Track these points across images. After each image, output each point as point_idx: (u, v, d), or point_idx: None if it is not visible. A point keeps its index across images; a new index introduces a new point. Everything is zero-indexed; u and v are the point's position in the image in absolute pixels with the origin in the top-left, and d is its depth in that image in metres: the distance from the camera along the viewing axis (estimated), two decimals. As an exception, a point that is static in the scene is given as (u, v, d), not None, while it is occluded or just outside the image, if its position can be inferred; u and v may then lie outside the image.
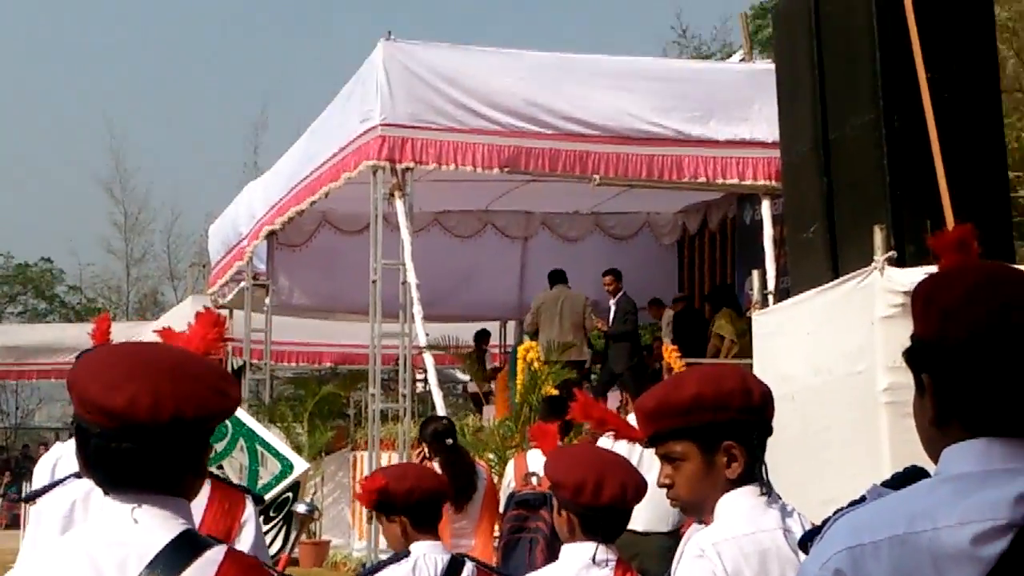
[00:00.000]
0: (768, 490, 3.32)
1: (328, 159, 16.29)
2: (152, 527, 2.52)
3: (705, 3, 64.35)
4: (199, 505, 4.61)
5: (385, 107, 14.80)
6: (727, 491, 3.31)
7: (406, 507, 5.14)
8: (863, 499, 2.20)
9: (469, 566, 5.18)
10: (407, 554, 5.09)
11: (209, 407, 2.55)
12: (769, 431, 3.39)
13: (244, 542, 4.67)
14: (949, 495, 2.07)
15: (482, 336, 19.88)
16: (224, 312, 21.62)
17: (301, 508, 8.90)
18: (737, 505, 3.29)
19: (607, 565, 4.08)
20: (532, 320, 16.22)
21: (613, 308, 16.47)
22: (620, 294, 16.60)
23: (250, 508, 4.72)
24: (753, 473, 3.31)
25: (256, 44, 74.90)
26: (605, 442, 8.15)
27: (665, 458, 3.38)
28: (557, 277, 16.65)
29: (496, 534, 9.32)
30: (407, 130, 14.85)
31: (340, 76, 18.07)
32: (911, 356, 2.21)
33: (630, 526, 9.22)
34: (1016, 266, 2.35)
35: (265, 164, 29.44)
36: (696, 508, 3.40)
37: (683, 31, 40.05)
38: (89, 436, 2.54)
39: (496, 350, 22.81)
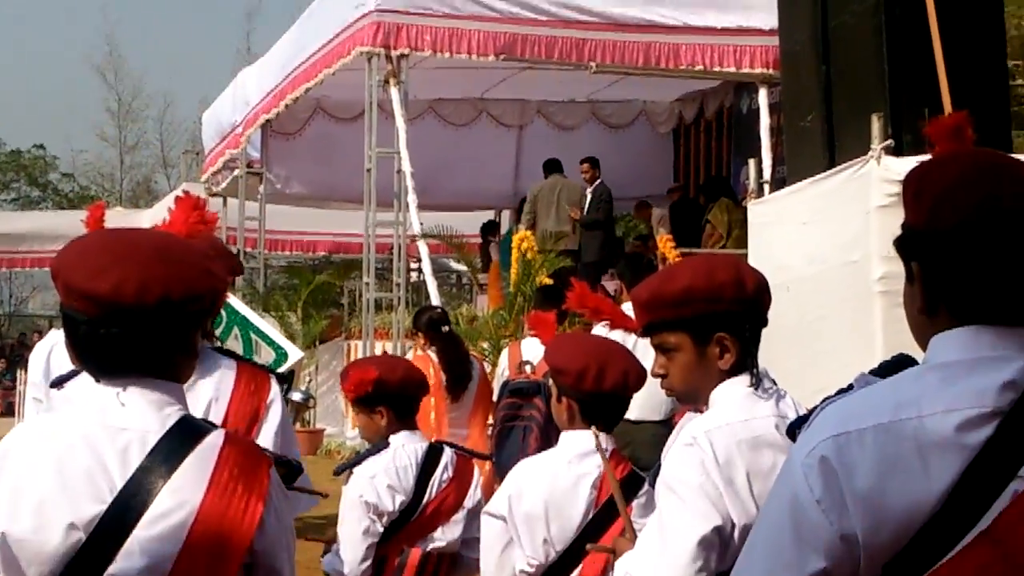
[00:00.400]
0: (758, 381, 3.32)
1: (322, 46, 16.14)
2: (149, 413, 2.53)
3: None
4: (227, 386, 4.64)
5: (379, -9, 14.65)
6: (721, 381, 3.32)
7: (393, 398, 5.17)
8: (851, 387, 2.21)
9: (448, 452, 5.24)
10: (386, 445, 5.14)
11: (196, 287, 2.55)
12: (763, 322, 3.39)
13: (272, 421, 4.71)
14: (936, 383, 2.07)
15: (489, 228, 19.79)
16: (213, 199, 21.65)
17: (296, 396, 8.99)
18: (731, 394, 3.30)
19: (606, 453, 4.09)
20: (529, 210, 16.18)
21: (589, 196, 16.38)
22: (597, 182, 16.47)
23: (275, 388, 4.73)
24: (746, 364, 3.32)
25: (249, -71, 73.95)
26: (600, 331, 8.20)
27: (659, 348, 3.39)
28: (553, 166, 16.59)
29: (490, 422, 9.38)
30: (402, 16, 14.69)
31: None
32: (901, 244, 2.21)
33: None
34: (1009, 154, 2.32)
35: (259, 50, 29.27)
36: (690, 397, 3.42)
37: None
38: (77, 324, 2.54)
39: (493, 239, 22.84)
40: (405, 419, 5.21)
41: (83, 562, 2.45)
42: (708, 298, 3.28)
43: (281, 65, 18.11)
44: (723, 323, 3.30)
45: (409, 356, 9.74)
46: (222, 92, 22.39)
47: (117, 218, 24.18)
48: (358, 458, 5.25)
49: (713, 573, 3.11)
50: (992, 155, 2.21)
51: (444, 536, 5.14)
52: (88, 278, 2.49)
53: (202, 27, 70.87)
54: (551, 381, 4.29)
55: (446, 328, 9.34)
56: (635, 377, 4.14)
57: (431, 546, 5.14)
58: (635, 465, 4.25)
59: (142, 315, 2.49)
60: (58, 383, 4.44)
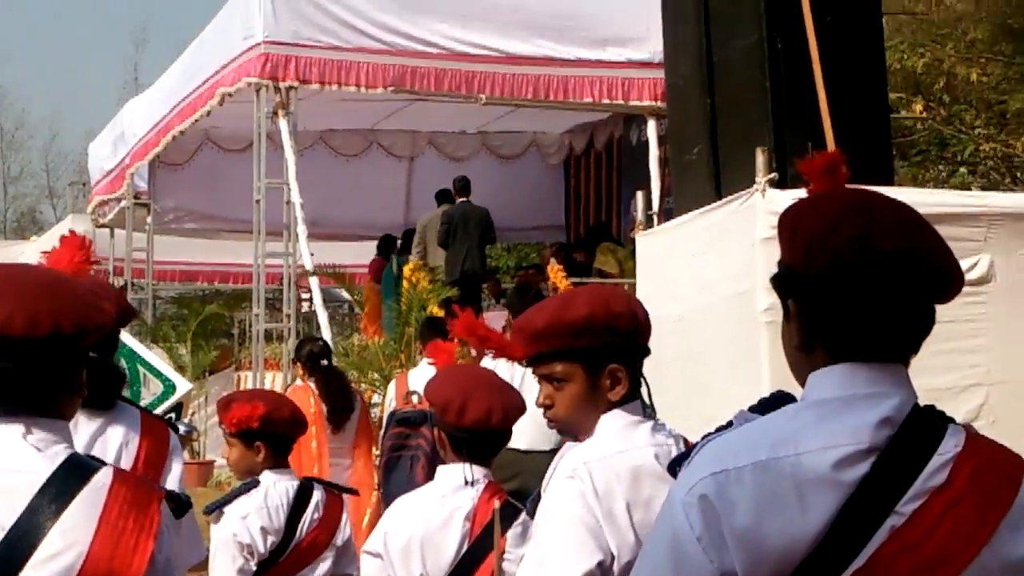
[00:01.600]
0: (652, 412, 3.34)
1: (210, 76, 16.03)
2: (36, 452, 2.50)
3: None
4: (135, 432, 4.62)
5: (268, 24, 14.58)
6: (606, 412, 3.32)
7: (275, 436, 5.15)
8: (730, 424, 2.22)
9: (318, 491, 5.21)
10: (256, 483, 5.10)
11: (86, 321, 2.52)
12: (648, 353, 3.40)
13: (175, 470, 4.71)
14: (812, 420, 2.10)
15: (387, 243, 18.82)
16: (100, 231, 21.40)
17: (180, 428, 8.89)
18: (611, 425, 3.30)
19: (476, 486, 4.10)
20: (419, 241, 16.12)
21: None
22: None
23: (174, 437, 4.73)
24: (635, 395, 3.33)
25: (137, -43, 73.35)
26: (487, 362, 8.20)
27: (546, 378, 3.37)
28: (444, 196, 16.54)
29: (376, 452, 9.37)
30: (290, 48, 14.64)
31: (223, -7, 17.71)
32: (779, 283, 2.23)
33: (513, 444, 9.27)
34: (886, 190, 2.37)
35: (146, 81, 28.99)
36: (574, 429, 3.39)
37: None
38: None
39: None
40: (280, 456, 5.19)
41: None
42: (605, 329, 3.28)
43: (168, 95, 17.96)
44: (617, 354, 3.29)
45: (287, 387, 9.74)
46: (109, 122, 22.14)
47: (0, 249, 23.79)
48: (228, 496, 5.20)
49: None
50: (865, 194, 2.24)
51: (312, 573, 5.10)
52: None
53: (88, 58, 70.01)
54: None
55: (325, 362, 9.32)
56: (501, 412, 4.15)
57: None
58: (525, 495, 4.26)
59: (31, 348, 2.46)
60: None
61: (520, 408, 4.27)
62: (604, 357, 3.29)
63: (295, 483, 5.16)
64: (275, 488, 5.10)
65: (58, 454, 2.50)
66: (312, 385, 9.25)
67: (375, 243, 18.84)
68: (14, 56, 66.34)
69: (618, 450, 3.24)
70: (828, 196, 2.25)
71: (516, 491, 8.68)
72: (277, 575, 5.05)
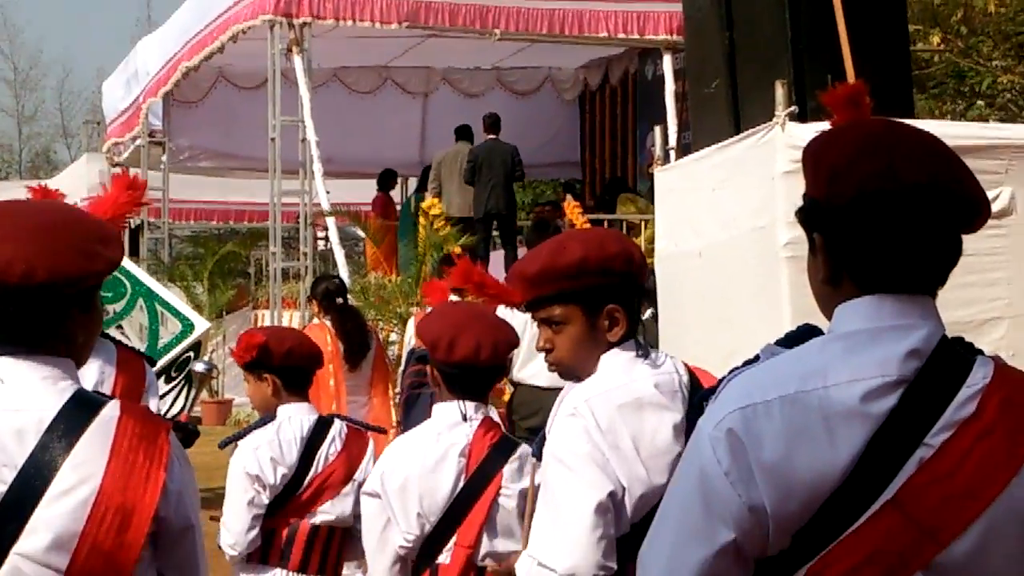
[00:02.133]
0: (645, 350, 3.35)
1: (223, 12, 15.97)
2: (42, 390, 2.51)
3: None
4: (110, 368, 4.62)
5: (282, -42, 14.52)
6: (605, 352, 3.33)
7: (280, 367, 5.16)
8: (757, 358, 2.21)
9: (337, 425, 5.22)
10: (272, 418, 5.13)
11: (67, 269, 2.50)
12: (643, 293, 3.40)
13: (151, 405, 4.69)
14: (840, 353, 2.09)
15: (387, 178, 18.91)
16: (117, 171, 21.36)
17: (199, 367, 8.94)
18: (611, 363, 3.32)
19: (471, 422, 4.12)
20: (434, 177, 16.07)
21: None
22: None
23: (150, 373, 4.73)
24: (632, 334, 3.34)
25: None
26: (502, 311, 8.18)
27: (545, 322, 3.39)
28: (462, 133, 16.47)
29: (396, 391, 9.40)
30: (304, -17, 14.58)
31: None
32: (803, 216, 2.22)
33: (533, 382, 9.36)
34: (907, 121, 2.34)
35: (159, 19, 28.88)
36: (575, 370, 3.39)
37: None
38: None
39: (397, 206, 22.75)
40: (293, 390, 5.20)
41: None
42: (600, 270, 3.29)
43: (182, 33, 17.89)
44: (613, 295, 3.31)
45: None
46: (122, 61, 22.08)
47: (14, 190, 23.79)
48: (244, 431, 5.24)
49: (612, 539, 3.12)
50: (889, 124, 2.22)
51: (333, 510, 5.13)
52: None
53: (101, -7, 69.75)
54: None
55: (341, 300, 9.33)
56: (491, 347, 4.16)
57: (320, 519, 5.13)
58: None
59: (11, 292, 2.46)
60: None
61: (512, 343, 4.30)
62: (601, 298, 3.31)
63: (312, 417, 5.18)
64: (289, 422, 5.12)
65: (64, 390, 2.51)
66: (328, 323, 9.27)
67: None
68: (25, -6, 65.84)
69: (618, 384, 3.25)
70: (851, 127, 2.24)
71: (538, 427, 8.74)
72: (294, 509, 5.09)
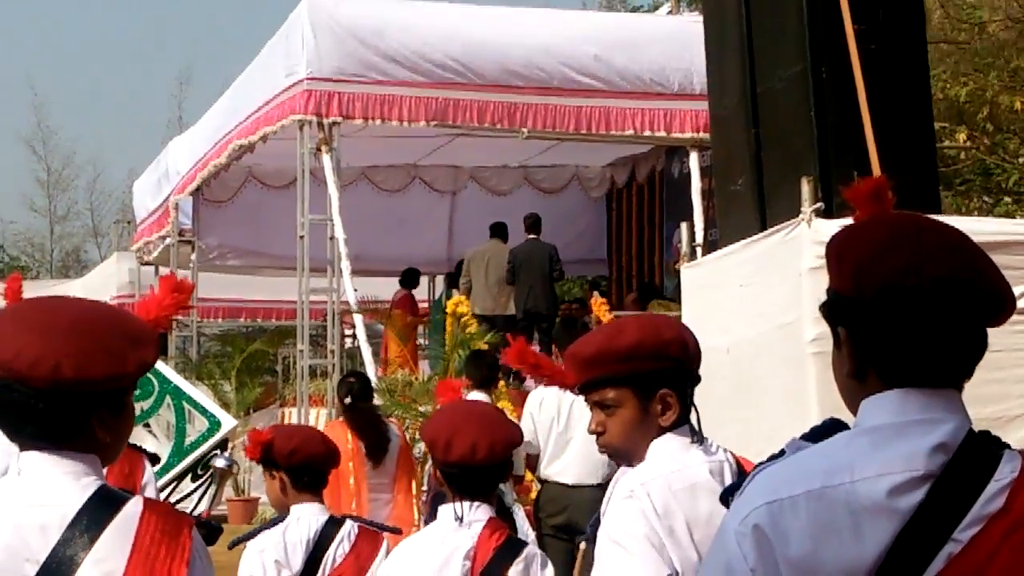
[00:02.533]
0: (700, 436, 3.36)
1: (253, 113, 16.13)
2: (66, 485, 2.50)
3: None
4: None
5: (311, 61, 14.67)
6: (658, 437, 3.34)
7: (287, 466, 5.13)
8: (782, 453, 2.20)
9: (348, 525, 5.16)
10: (283, 518, 5.10)
11: (95, 369, 2.50)
12: (698, 380, 3.42)
13: None
14: (866, 447, 2.07)
15: (411, 276, 18.71)
16: (145, 268, 21.53)
17: (220, 462, 8.93)
18: (663, 447, 3.33)
19: (471, 525, 4.10)
20: (465, 273, 16.16)
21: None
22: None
23: (149, 470, 4.69)
24: (684, 420, 3.35)
25: (180, -2, 74.09)
26: (539, 392, 8.22)
27: (599, 405, 3.40)
28: (495, 230, 16.56)
29: (424, 488, 9.37)
30: (333, 84, 14.71)
31: (264, 31, 17.90)
32: (828, 310, 2.21)
33: (560, 479, 9.32)
34: (930, 216, 2.34)
35: (190, 120, 29.17)
36: (626, 455, 3.41)
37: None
38: None
39: (425, 304, 22.80)
40: (303, 488, 5.16)
41: None
42: (655, 354, 3.32)
43: (212, 133, 18.07)
44: (667, 380, 3.33)
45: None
46: (153, 161, 22.28)
47: (45, 289, 23.96)
48: (255, 530, 5.19)
49: None
50: (913, 218, 2.22)
51: None
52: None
53: (132, 97, 70.64)
54: None
55: (349, 400, 9.39)
56: (486, 448, 4.15)
57: None
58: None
59: (42, 387, 2.46)
60: None
61: (512, 441, 4.30)
62: (655, 382, 3.33)
63: (323, 518, 5.12)
64: (298, 523, 5.07)
65: (88, 486, 2.50)
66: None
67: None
68: (60, 96, 66.70)
69: (673, 469, 3.26)
70: (875, 221, 2.24)
71: (564, 524, 8.73)
72: None
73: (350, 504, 8.67)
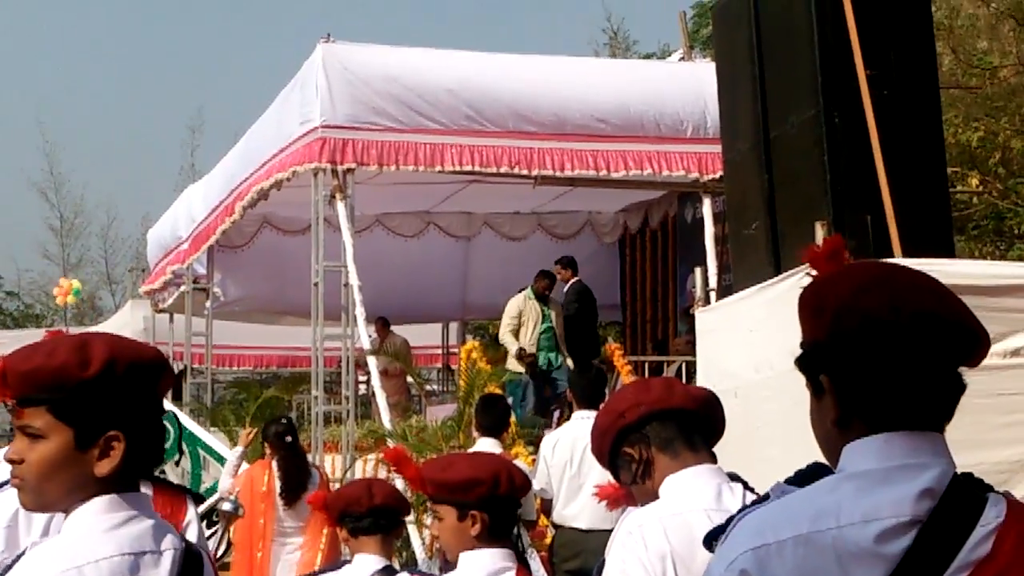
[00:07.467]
0: (734, 475, 3.55)
1: (267, 161, 16.17)
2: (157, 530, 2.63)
3: (634, 5, 64.62)
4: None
5: (325, 109, 14.70)
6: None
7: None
8: (767, 496, 2.21)
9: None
10: (347, 562, 5.13)
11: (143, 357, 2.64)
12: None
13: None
14: (852, 492, 2.08)
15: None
16: (160, 316, 21.57)
17: (227, 506, 8.99)
18: (675, 486, 3.45)
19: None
20: (515, 313, 16.05)
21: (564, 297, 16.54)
22: (571, 282, 16.63)
23: (192, 510, 4.71)
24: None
25: (193, 45, 74.57)
26: (553, 435, 8.23)
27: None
28: (545, 274, 16.56)
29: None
30: (348, 131, 14.74)
31: (277, 79, 17.98)
32: (806, 361, 2.22)
33: (574, 524, 9.32)
34: (943, 263, 2.38)
35: (203, 168, 29.29)
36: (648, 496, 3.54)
37: (614, 32, 40.25)
38: None
39: (439, 351, 22.82)
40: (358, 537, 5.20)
41: None
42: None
43: (226, 180, 18.08)
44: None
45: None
46: (166, 209, 22.34)
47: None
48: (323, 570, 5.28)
49: None
50: (883, 264, 2.28)
51: None
52: (24, 360, 2.56)
53: (145, 144, 70.81)
54: None
55: (289, 439, 10.09)
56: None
57: None
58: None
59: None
60: None
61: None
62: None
63: (383, 563, 5.17)
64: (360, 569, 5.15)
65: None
66: (273, 462, 10.04)
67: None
68: (71, 143, 66.95)
69: (672, 512, 3.35)
70: (847, 270, 2.26)
71: (579, 569, 8.71)
72: None
73: (257, 543, 9.49)
